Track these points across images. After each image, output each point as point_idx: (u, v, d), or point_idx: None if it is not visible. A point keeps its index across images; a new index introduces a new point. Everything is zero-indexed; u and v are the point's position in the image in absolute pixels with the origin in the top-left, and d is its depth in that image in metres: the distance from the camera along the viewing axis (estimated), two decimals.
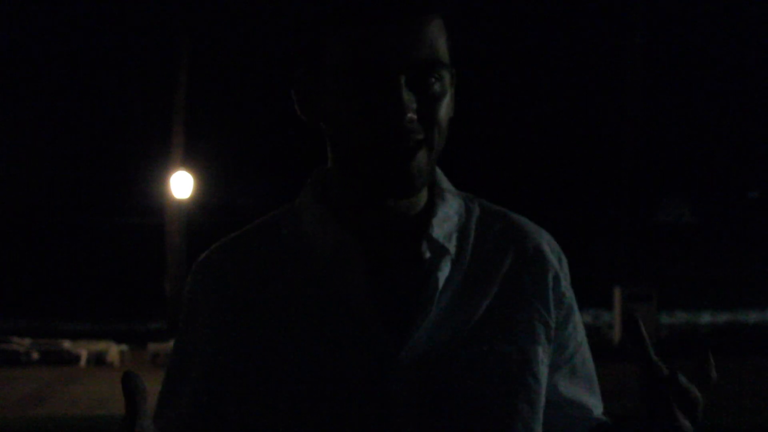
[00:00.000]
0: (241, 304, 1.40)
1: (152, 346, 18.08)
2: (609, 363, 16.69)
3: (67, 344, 18.85)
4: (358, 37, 1.31)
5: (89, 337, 20.54)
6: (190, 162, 21.76)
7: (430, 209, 1.42)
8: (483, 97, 27.08)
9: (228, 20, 25.53)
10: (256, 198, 28.77)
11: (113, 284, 28.21)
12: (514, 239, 1.46)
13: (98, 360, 18.26)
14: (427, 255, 1.39)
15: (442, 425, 1.36)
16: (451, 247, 1.41)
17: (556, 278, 1.46)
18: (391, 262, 1.39)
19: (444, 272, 1.39)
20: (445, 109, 1.36)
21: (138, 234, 29.62)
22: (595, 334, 20.67)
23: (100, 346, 18.79)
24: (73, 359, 18.22)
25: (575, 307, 1.49)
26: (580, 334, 1.50)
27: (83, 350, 18.43)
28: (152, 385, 1.24)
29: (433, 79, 1.34)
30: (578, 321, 1.50)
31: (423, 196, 1.42)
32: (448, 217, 1.43)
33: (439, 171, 1.45)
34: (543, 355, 1.42)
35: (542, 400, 1.42)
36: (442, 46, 1.35)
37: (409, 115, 1.31)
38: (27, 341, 18.95)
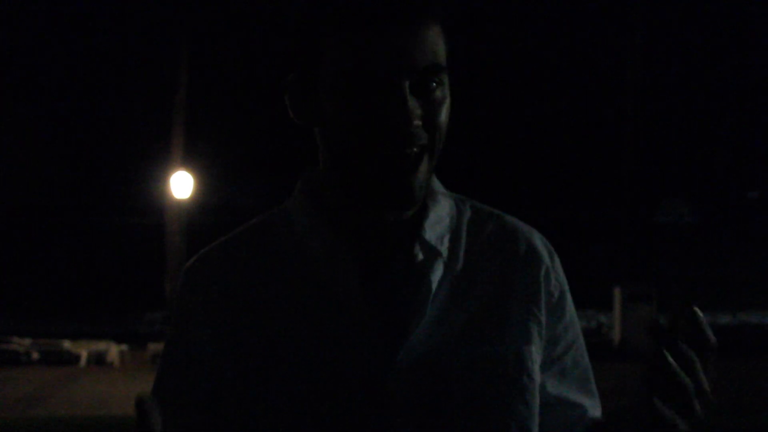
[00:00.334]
0: (234, 310, 1.39)
1: (152, 346, 18.08)
2: (609, 363, 16.75)
3: (67, 344, 18.86)
4: (360, 42, 1.30)
5: (89, 337, 20.55)
6: (190, 162, 21.77)
7: (422, 211, 1.42)
8: (483, 98, 27.07)
9: (228, 21, 25.53)
10: (256, 198, 28.76)
11: (113, 284, 28.22)
12: (505, 239, 1.46)
13: (98, 360, 18.26)
14: (420, 258, 1.39)
15: (439, 427, 1.35)
16: (443, 249, 1.40)
17: (547, 276, 1.46)
18: (384, 266, 1.39)
19: (437, 275, 1.39)
20: (445, 114, 1.35)
21: (138, 234, 29.64)
22: (595, 334, 20.68)
23: (100, 346, 18.79)
24: (73, 359, 18.22)
25: (568, 306, 1.48)
26: (572, 334, 1.49)
27: (83, 350, 18.43)
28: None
29: (435, 84, 1.33)
30: (571, 321, 1.49)
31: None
32: (440, 219, 1.42)
33: (432, 175, 1.44)
34: (536, 355, 1.42)
35: (537, 399, 1.42)
36: (441, 50, 1.34)
37: (416, 122, 1.31)
38: (27, 341, 18.95)
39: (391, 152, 1.31)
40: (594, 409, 1.52)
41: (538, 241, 1.48)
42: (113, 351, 18.51)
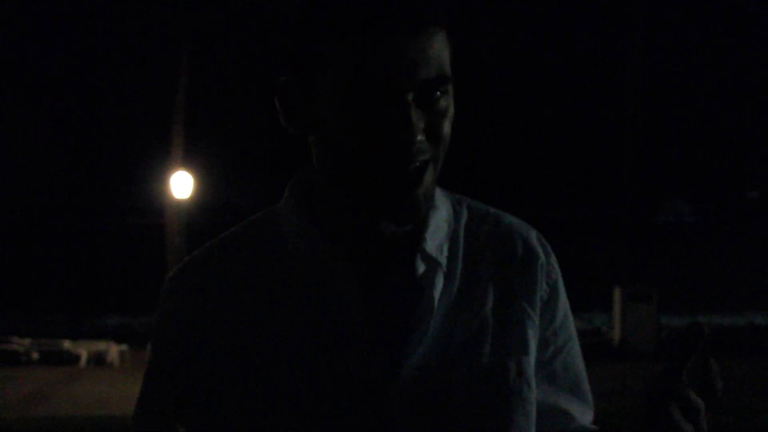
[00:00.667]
0: (224, 318, 1.34)
1: None
2: (609, 363, 16.74)
3: (67, 344, 18.86)
4: (363, 50, 1.24)
5: (89, 337, 20.55)
6: (190, 162, 21.76)
7: (422, 220, 1.37)
8: (483, 98, 27.06)
9: (228, 21, 25.53)
10: (256, 198, 28.76)
11: (113, 284, 28.22)
12: (502, 239, 1.43)
13: (98, 360, 18.26)
14: (421, 270, 1.35)
15: None
16: (442, 258, 1.37)
17: (542, 278, 1.43)
18: (383, 278, 1.35)
19: (438, 287, 1.35)
20: (449, 125, 1.31)
21: (138, 234, 29.62)
22: (595, 334, 20.67)
23: (100, 346, 18.79)
24: (73, 359, 18.22)
25: (560, 308, 1.45)
26: (563, 337, 1.45)
27: (83, 350, 18.43)
28: None
29: (439, 94, 1.28)
30: (562, 324, 1.45)
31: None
32: (438, 227, 1.39)
33: None
34: (533, 361, 1.40)
35: (535, 407, 1.40)
36: (446, 59, 1.29)
37: (420, 136, 1.26)
38: (27, 341, 18.96)
39: (395, 167, 1.27)
40: (584, 414, 1.49)
41: (535, 241, 1.45)
42: (113, 351, 18.51)
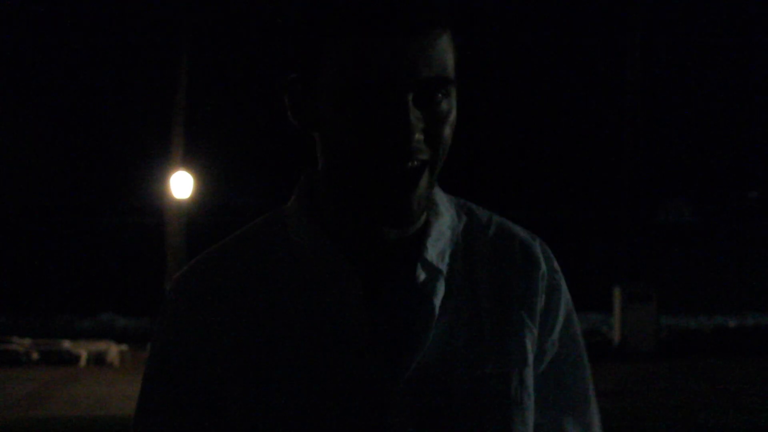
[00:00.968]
0: (227, 321, 1.33)
1: None
2: (609, 363, 16.73)
3: (67, 344, 18.87)
4: (364, 48, 1.24)
5: (89, 337, 20.56)
6: (190, 162, 21.76)
7: (424, 227, 1.37)
8: (483, 97, 27.07)
9: (228, 21, 25.54)
10: (256, 198, 28.78)
11: (113, 284, 28.22)
12: (504, 247, 1.42)
13: (98, 360, 18.26)
14: (422, 277, 1.34)
15: None
16: (444, 265, 1.36)
17: (544, 288, 1.41)
18: (386, 284, 1.34)
19: (439, 295, 1.34)
20: (450, 128, 1.30)
21: (138, 234, 29.62)
22: (595, 334, 20.68)
23: (100, 346, 18.79)
24: (73, 359, 18.22)
25: (559, 320, 1.43)
26: (565, 350, 1.43)
27: (83, 350, 18.44)
28: None
29: (441, 96, 1.28)
30: (564, 338, 1.43)
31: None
32: (441, 234, 1.38)
33: None
34: (532, 371, 1.40)
35: (533, 416, 1.39)
36: (450, 61, 1.28)
37: (417, 136, 1.25)
38: (27, 341, 18.96)
39: (390, 166, 1.26)
40: (590, 429, 1.46)
41: (539, 251, 1.43)
42: (113, 351, 18.51)
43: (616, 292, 19.79)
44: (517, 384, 1.36)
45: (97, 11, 29.33)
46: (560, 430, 1.44)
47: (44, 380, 15.83)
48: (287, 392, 1.31)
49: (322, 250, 1.34)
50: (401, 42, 1.24)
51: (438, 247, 1.36)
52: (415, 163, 1.27)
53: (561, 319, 1.43)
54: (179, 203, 21.40)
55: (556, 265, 1.44)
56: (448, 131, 1.30)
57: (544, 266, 1.42)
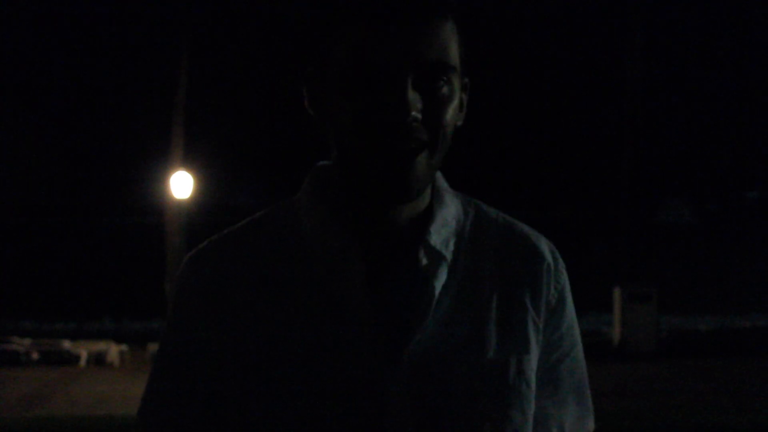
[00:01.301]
0: (236, 300, 1.38)
1: (152, 346, 18.08)
2: (609, 363, 16.72)
3: (67, 344, 18.86)
4: (367, 35, 1.29)
5: (89, 337, 20.56)
6: (190, 162, 21.76)
7: (428, 214, 1.41)
8: (483, 97, 27.06)
9: (228, 21, 25.54)
10: (256, 198, 28.80)
11: (113, 284, 28.22)
12: (510, 241, 1.45)
13: (98, 360, 18.26)
14: (424, 262, 1.38)
15: (437, 431, 1.35)
16: (448, 253, 1.39)
17: (549, 281, 1.44)
18: (389, 267, 1.38)
19: (440, 279, 1.37)
20: (451, 114, 1.34)
21: (138, 234, 29.62)
22: (595, 334, 20.67)
23: (100, 346, 18.79)
24: (73, 359, 18.22)
25: (567, 313, 1.46)
26: (569, 342, 1.47)
27: (83, 350, 18.44)
28: None
29: (442, 82, 1.32)
30: (568, 330, 1.46)
31: (425, 198, 1.41)
32: (446, 222, 1.41)
33: (438, 173, 1.44)
34: (534, 362, 1.42)
35: (533, 407, 1.41)
36: (453, 50, 1.33)
37: (413, 114, 1.29)
38: (27, 341, 18.96)
39: (388, 145, 1.30)
40: (586, 421, 1.50)
41: (544, 247, 1.46)
42: (113, 351, 18.51)
43: (616, 292, 19.79)
44: (516, 371, 1.39)
45: (97, 11, 29.33)
46: (560, 420, 1.47)
47: (44, 380, 15.82)
48: (289, 373, 1.34)
49: (328, 234, 1.38)
50: (403, 28, 1.29)
51: (442, 234, 1.40)
52: (413, 144, 1.30)
53: (568, 312, 1.46)
54: (179, 203, 21.40)
55: (561, 261, 1.48)
56: (448, 116, 1.33)
57: (549, 259, 1.45)
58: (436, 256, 1.38)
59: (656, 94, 27.15)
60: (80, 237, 32.37)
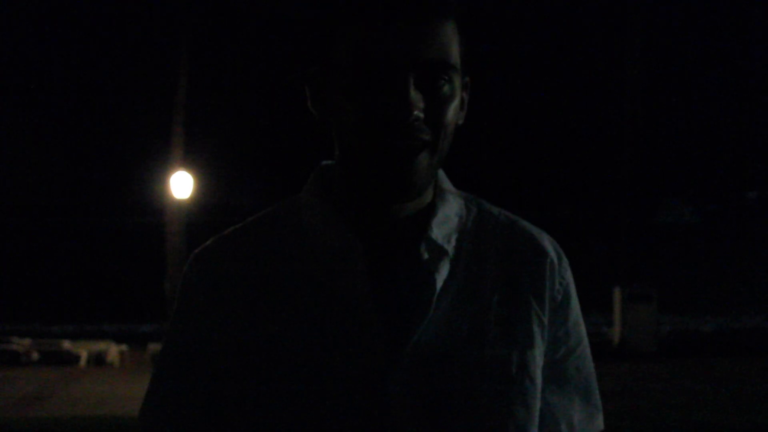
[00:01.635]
0: (240, 298, 1.39)
1: (152, 346, 18.08)
2: (609, 363, 16.73)
3: (67, 344, 18.86)
4: (369, 34, 1.31)
5: (89, 337, 20.56)
6: (190, 162, 21.76)
7: (430, 210, 1.42)
8: (483, 98, 27.05)
9: (228, 21, 25.54)
10: (256, 198, 28.78)
11: (113, 284, 28.22)
12: (513, 240, 1.45)
13: (98, 360, 18.26)
14: (426, 256, 1.38)
15: (438, 427, 1.35)
16: (450, 248, 1.40)
17: (552, 278, 1.44)
18: (391, 263, 1.39)
19: (442, 274, 1.38)
20: (452, 113, 1.35)
21: (138, 234, 29.63)
22: (595, 334, 20.68)
23: (100, 346, 18.79)
24: (73, 359, 18.22)
25: (572, 310, 1.47)
26: (575, 339, 1.47)
27: (83, 350, 18.44)
28: None
29: (443, 81, 1.33)
30: (574, 326, 1.47)
31: (427, 196, 1.42)
32: (448, 219, 1.42)
33: (441, 173, 1.45)
34: (539, 358, 1.42)
35: (538, 403, 1.41)
36: (453, 49, 1.34)
37: (416, 113, 1.30)
38: (27, 341, 18.96)
39: (390, 144, 1.31)
40: (594, 417, 1.50)
41: (547, 243, 1.47)
42: (113, 351, 18.51)
43: (616, 292, 19.80)
44: (518, 366, 1.39)
45: (97, 11, 29.33)
46: (568, 417, 1.47)
47: (44, 380, 15.82)
48: (292, 370, 1.35)
49: (331, 232, 1.39)
50: (405, 27, 1.31)
51: (444, 229, 1.41)
52: (415, 143, 1.32)
53: (573, 308, 1.47)
54: (179, 203, 21.40)
55: (565, 258, 1.48)
56: (449, 115, 1.35)
57: (553, 255, 1.46)
58: (437, 251, 1.39)
59: (656, 94, 27.14)
60: (80, 237, 32.37)
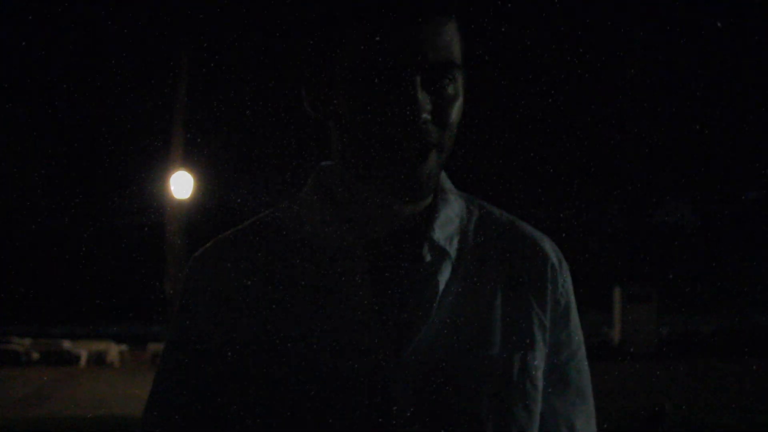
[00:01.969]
0: (241, 300, 1.38)
1: (152, 347, 18.09)
2: (609, 363, 16.74)
3: (67, 344, 18.88)
4: (375, 36, 1.32)
5: (89, 337, 20.56)
6: (190, 162, 21.75)
7: (432, 211, 1.42)
8: (482, 97, 27.07)
9: (228, 21, 25.53)
10: (256, 198, 28.75)
11: (113, 285, 28.21)
12: (515, 243, 1.46)
13: (98, 360, 18.27)
14: (428, 258, 1.39)
15: (440, 427, 1.35)
16: (452, 249, 1.40)
17: (555, 282, 1.45)
18: (393, 263, 1.39)
19: (444, 275, 1.38)
20: (457, 112, 1.36)
21: (138, 234, 29.62)
22: (595, 334, 20.67)
23: (100, 346, 18.81)
24: (73, 359, 18.23)
25: (572, 314, 1.47)
26: (576, 342, 1.48)
27: (83, 350, 18.45)
28: None
29: (448, 81, 1.34)
30: (575, 329, 1.48)
31: (429, 197, 1.42)
32: (449, 220, 1.42)
33: (443, 173, 1.45)
34: (540, 361, 1.42)
35: (539, 406, 1.42)
36: (456, 47, 1.35)
37: (424, 115, 1.32)
38: (27, 341, 18.97)
39: (399, 144, 1.32)
40: (591, 420, 1.51)
41: (548, 246, 1.47)
42: (113, 351, 18.52)
43: (616, 292, 19.82)
44: (519, 369, 1.39)
45: (97, 11, 29.33)
46: (570, 419, 1.48)
47: (44, 380, 15.82)
48: (294, 371, 1.35)
49: (332, 233, 1.39)
50: (410, 28, 1.32)
51: (446, 231, 1.41)
52: (425, 143, 1.33)
53: (573, 311, 1.48)
54: (179, 203, 21.40)
55: (565, 262, 1.49)
56: (455, 116, 1.36)
57: (554, 259, 1.46)
58: (440, 252, 1.39)
59: (656, 94, 27.15)
60: (80, 237, 32.37)
